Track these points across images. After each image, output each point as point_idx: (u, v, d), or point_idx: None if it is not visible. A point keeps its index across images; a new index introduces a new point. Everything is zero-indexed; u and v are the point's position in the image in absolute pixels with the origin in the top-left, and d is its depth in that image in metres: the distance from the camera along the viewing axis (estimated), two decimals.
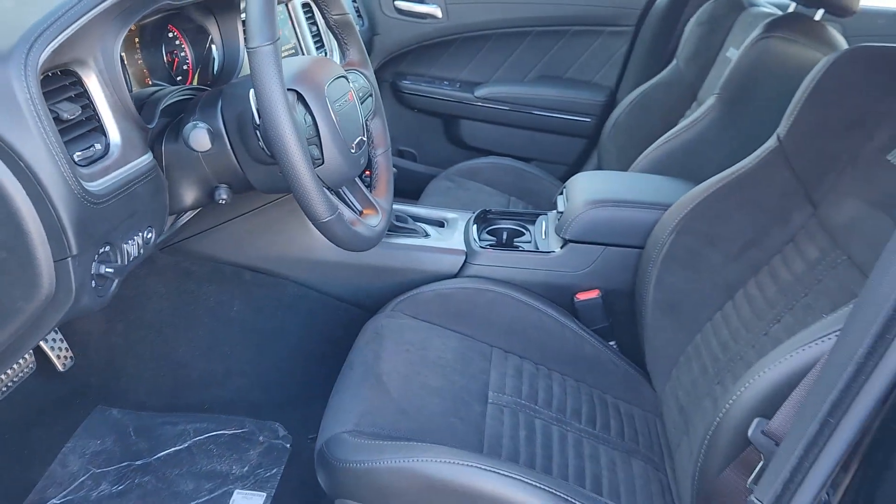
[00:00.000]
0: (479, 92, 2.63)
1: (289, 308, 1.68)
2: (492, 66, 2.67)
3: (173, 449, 1.58)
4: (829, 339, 0.96)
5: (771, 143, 1.43)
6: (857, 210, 1.21)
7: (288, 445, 1.60)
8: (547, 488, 1.10)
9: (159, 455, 1.56)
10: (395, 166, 1.81)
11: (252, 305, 1.67)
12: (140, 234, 1.04)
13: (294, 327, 1.69)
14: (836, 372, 0.80)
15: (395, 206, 1.74)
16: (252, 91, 1.10)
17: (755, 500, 0.86)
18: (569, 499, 1.10)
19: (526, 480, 1.10)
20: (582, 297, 1.61)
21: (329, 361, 1.66)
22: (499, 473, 1.09)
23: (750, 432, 0.95)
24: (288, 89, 1.09)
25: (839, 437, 0.78)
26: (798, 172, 1.37)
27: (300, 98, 1.11)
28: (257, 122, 1.09)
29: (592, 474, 1.28)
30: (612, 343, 1.64)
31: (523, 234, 1.78)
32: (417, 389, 1.32)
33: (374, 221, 1.34)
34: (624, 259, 1.60)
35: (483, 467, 1.09)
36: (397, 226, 1.70)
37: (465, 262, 1.65)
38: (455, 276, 1.64)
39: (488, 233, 1.78)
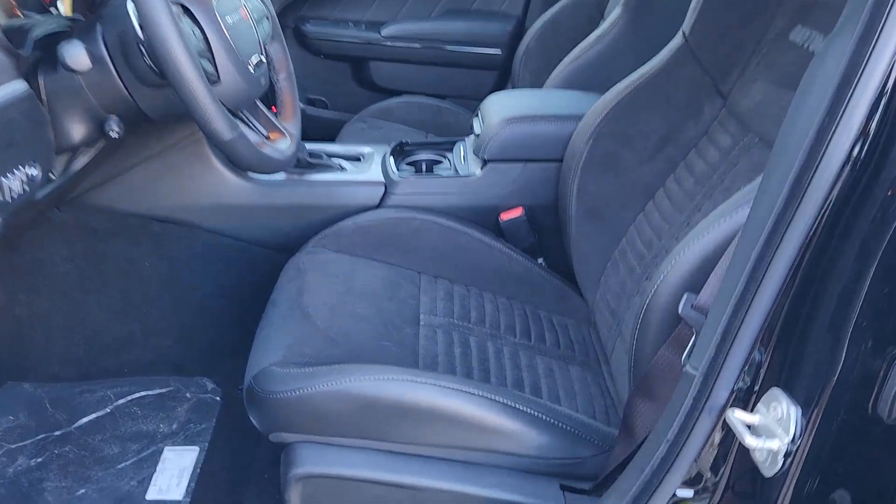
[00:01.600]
0: (386, 31, 2.55)
1: (204, 258, 1.60)
2: (396, 4, 2.59)
3: (94, 415, 1.49)
4: (745, 209, 0.97)
5: (677, 40, 1.43)
6: (765, 93, 1.22)
7: (218, 398, 1.54)
8: (487, 395, 1.08)
9: (79, 423, 1.47)
10: (306, 114, 1.73)
11: (165, 259, 1.58)
12: (22, 168, 0.95)
13: (212, 278, 1.62)
14: (752, 238, 0.80)
15: (308, 146, 1.67)
16: (131, 4, 1.01)
17: (690, 370, 0.86)
18: (509, 403, 1.09)
19: (465, 390, 1.07)
20: (506, 216, 1.59)
21: (253, 310, 1.59)
22: (436, 385, 1.06)
23: (680, 308, 0.94)
24: (172, 3, 1.01)
25: (762, 299, 0.78)
26: (706, 66, 1.37)
27: (186, 11, 1.03)
28: (140, 36, 1.01)
29: (531, 382, 1.26)
30: (539, 260, 1.63)
31: (442, 162, 1.74)
32: (346, 318, 1.27)
33: (283, 146, 1.28)
34: (544, 173, 1.59)
35: (419, 381, 1.06)
36: (311, 162, 1.64)
37: (384, 192, 1.60)
38: (376, 208, 1.59)
39: (407, 164, 1.73)
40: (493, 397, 1.08)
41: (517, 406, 1.09)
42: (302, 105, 2.47)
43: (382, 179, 1.61)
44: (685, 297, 0.95)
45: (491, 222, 1.61)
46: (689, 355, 0.93)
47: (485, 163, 1.60)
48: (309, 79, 2.58)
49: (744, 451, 0.82)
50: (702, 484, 0.87)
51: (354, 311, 1.30)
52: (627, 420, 1.05)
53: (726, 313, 0.81)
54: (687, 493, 0.88)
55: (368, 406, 1.05)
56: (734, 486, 0.85)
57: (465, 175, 1.61)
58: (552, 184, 1.59)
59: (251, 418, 1.16)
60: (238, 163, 1.10)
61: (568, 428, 1.10)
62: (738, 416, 0.78)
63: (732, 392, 0.81)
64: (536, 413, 1.09)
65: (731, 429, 0.82)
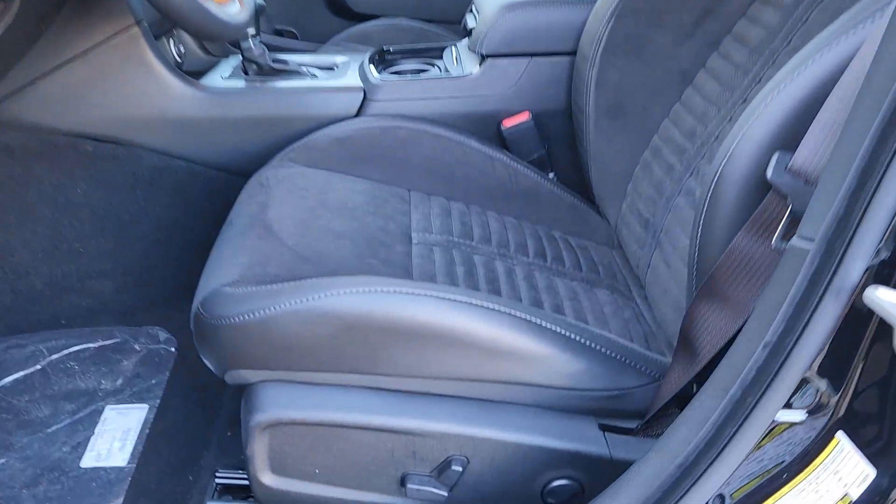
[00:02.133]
0: None
1: (149, 184, 1.33)
2: None
3: (21, 373, 1.23)
4: (836, 47, 0.72)
5: None
6: None
7: (172, 349, 1.28)
8: (506, 311, 0.83)
9: (2, 383, 1.22)
10: (273, 49, 1.46)
11: (101, 185, 1.32)
12: None
13: (160, 209, 1.35)
14: (883, 79, 0.56)
15: (273, 55, 1.40)
16: None
17: (800, 243, 0.61)
18: (534, 321, 0.84)
19: (478, 303, 0.83)
20: (509, 122, 1.33)
21: (211, 245, 1.34)
22: (441, 298, 0.81)
23: (770, 173, 0.70)
24: None
25: None
26: None
27: None
28: None
29: (552, 303, 1.02)
30: (550, 175, 1.38)
31: (429, 70, 1.48)
32: (319, 234, 1.02)
33: (233, 10, 1.01)
34: (554, 70, 1.33)
35: (418, 292, 0.81)
36: (276, 68, 1.37)
37: (364, 100, 1.34)
38: (354, 118, 1.33)
39: (390, 74, 1.47)
40: (514, 313, 0.83)
41: (544, 324, 0.84)
42: (269, 36, 2.19)
43: (360, 84, 1.35)
44: (775, 157, 0.70)
45: (491, 131, 1.36)
46: (783, 237, 0.69)
47: (482, 59, 1.34)
48: (276, 7, 2.30)
49: (884, 347, 0.58)
50: (816, 399, 0.63)
51: (330, 227, 1.04)
52: (687, 336, 0.81)
53: (854, 168, 0.57)
54: (794, 415, 0.64)
55: (351, 328, 0.80)
56: (865, 396, 0.61)
57: (459, 75, 1.35)
58: (563, 82, 1.33)
59: (203, 358, 0.90)
60: (181, 24, 0.84)
61: (607, 352, 0.86)
62: (883, 297, 0.54)
63: (869, 267, 0.57)
64: (568, 333, 0.85)
65: (863, 316, 0.58)
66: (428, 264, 1.03)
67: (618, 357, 0.86)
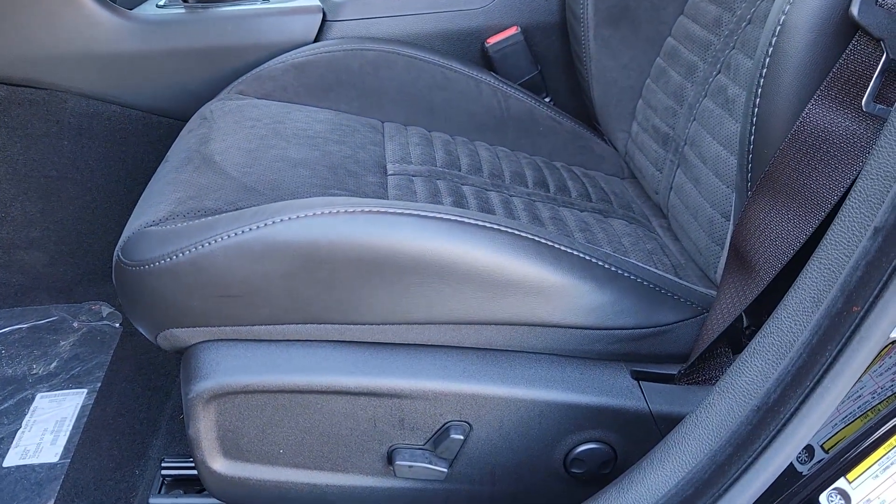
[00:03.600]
0: None
1: (77, 134, 1.14)
2: None
3: None
4: None
5: None
6: None
7: (117, 325, 1.10)
8: (513, 230, 0.65)
9: None
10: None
11: (20, 138, 1.12)
12: None
13: (92, 162, 1.16)
14: None
15: None
16: None
17: None
18: (548, 242, 0.66)
19: (475, 222, 0.64)
20: (495, 39, 1.15)
21: None
22: (428, 217, 0.63)
23: (855, 10, 0.52)
24: None
25: None
26: None
27: None
28: None
29: (562, 234, 0.84)
30: (546, 98, 1.19)
31: None
32: (272, 164, 0.83)
33: None
34: None
35: (398, 211, 0.62)
36: None
37: (323, 22, 1.14)
38: (314, 42, 1.14)
39: None
40: (520, 232, 0.65)
41: (559, 247, 0.66)
42: None
43: (318, 4, 1.16)
44: None
45: (474, 51, 1.17)
46: (877, 89, 0.51)
47: None
48: None
49: None
50: None
51: (285, 156, 0.85)
52: (741, 251, 0.63)
53: None
54: None
55: (310, 263, 0.61)
56: None
57: None
58: None
59: (132, 321, 0.72)
60: None
61: (638, 280, 0.68)
62: None
63: None
64: (590, 258, 0.67)
65: None
66: (408, 195, 0.84)
67: (651, 286, 0.68)
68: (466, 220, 0.63)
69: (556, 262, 0.64)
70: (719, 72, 0.87)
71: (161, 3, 1.18)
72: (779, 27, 0.56)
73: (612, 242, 0.86)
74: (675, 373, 0.69)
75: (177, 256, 0.63)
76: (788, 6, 0.55)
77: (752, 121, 0.59)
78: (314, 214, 0.61)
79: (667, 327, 0.68)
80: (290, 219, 0.61)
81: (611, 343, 0.68)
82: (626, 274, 0.67)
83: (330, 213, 0.61)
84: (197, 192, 0.74)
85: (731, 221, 0.69)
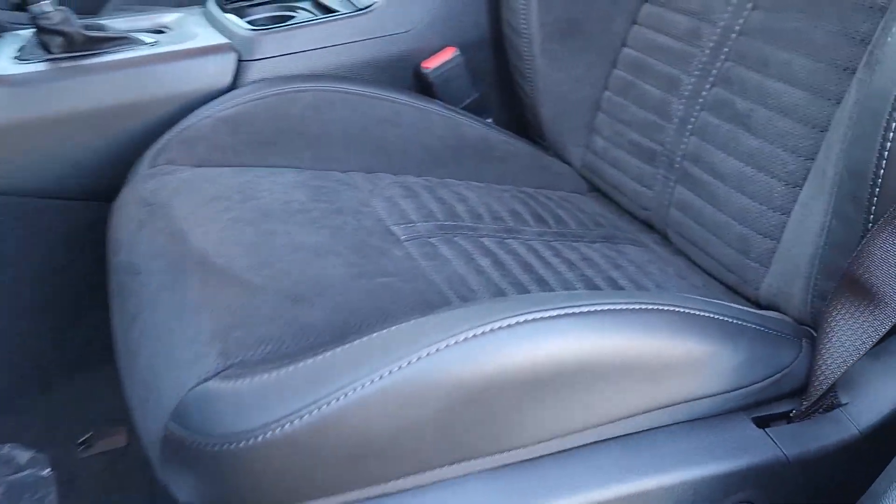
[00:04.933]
0: None
1: None
2: None
3: None
4: None
5: None
6: None
7: (45, 473, 0.86)
8: (653, 305, 0.58)
9: None
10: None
11: None
12: None
13: None
14: None
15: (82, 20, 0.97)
16: None
17: None
18: (666, 307, 0.60)
19: (620, 306, 0.56)
20: (432, 63, 1.05)
21: (65, 307, 0.93)
22: (580, 313, 0.54)
23: None
24: None
25: None
26: None
27: None
28: None
29: (605, 278, 0.79)
30: (488, 120, 1.12)
31: (295, 16, 1.13)
32: (289, 255, 0.68)
33: None
34: None
35: (553, 313, 0.53)
36: (91, 36, 0.95)
37: (238, 63, 0.97)
38: (231, 89, 0.96)
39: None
40: (663, 306, 0.58)
41: (694, 312, 0.60)
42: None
43: (227, 41, 0.98)
44: None
45: (407, 77, 1.07)
46: None
47: None
48: None
49: None
50: None
51: (297, 243, 0.70)
52: (862, 282, 0.62)
53: None
54: None
55: (475, 392, 0.50)
56: None
57: (357, 12, 1.03)
58: (487, 1, 1.07)
59: (175, 491, 0.55)
60: None
61: (759, 327, 0.65)
62: None
63: None
64: (717, 316, 0.62)
65: None
66: (444, 266, 0.74)
67: (770, 329, 0.65)
68: (615, 307, 0.55)
69: (700, 331, 0.59)
70: (714, 85, 0.86)
71: (18, 54, 0.93)
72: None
73: (650, 276, 0.83)
74: (792, 409, 0.68)
75: (291, 423, 0.48)
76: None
77: (882, 155, 0.58)
78: (472, 336, 0.49)
79: (788, 368, 0.66)
80: (444, 348, 0.49)
81: (743, 399, 0.64)
82: (745, 324, 0.64)
83: (489, 330, 0.50)
84: (235, 318, 0.59)
85: (825, 245, 0.67)
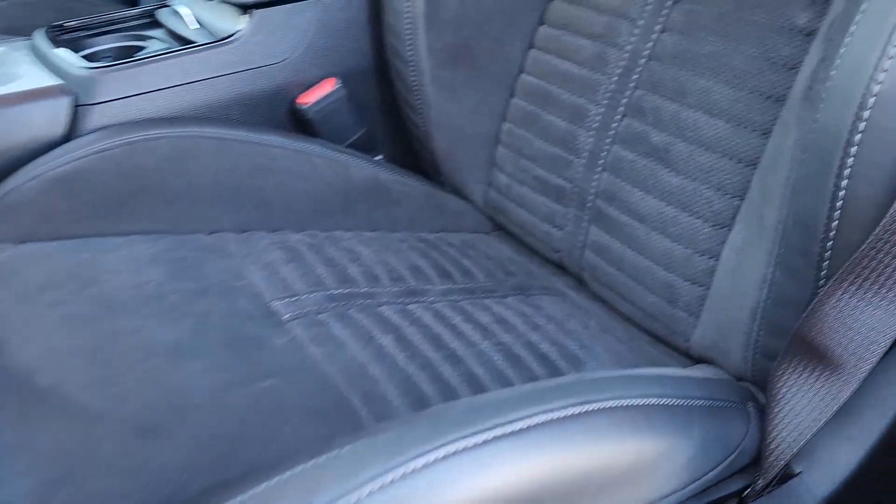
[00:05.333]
0: None
1: None
2: None
3: None
4: None
5: None
6: None
7: None
8: (594, 405, 0.48)
9: None
10: None
11: None
12: None
13: None
14: None
15: None
16: None
17: None
18: (608, 404, 0.50)
19: (542, 417, 0.46)
20: (312, 97, 0.92)
21: None
22: (514, 432, 0.43)
23: None
24: None
25: None
26: None
27: None
28: None
29: (525, 344, 0.69)
30: (378, 158, 1.01)
31: (143, 49, 0.98)
32: (139, 363, 0.54)
33: None
34: (352, 10, 0.94)
35: (479, 437, 0.42)
36: None
37: (74, 108, 0.81)
38: (65, 140, 0.80)
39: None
40: (574, 408, 0.48)
41: (622, 400, 0.51)
42: None
43: (59, 81, 0.82)
44: None
45: (282, 114, 0.93)
46: None
47: (246, 10, 0.90)
48: None
49: None
50: None
51: (150, 343, 0.56)
52: (816, 344, 0.55)
53: None
54: None
55: None
56: None
57: (217, 42, 0.88)
58: (368, 26, 0.96)
59: None
60: None
61: (708, 402, 0.56)
62: None
63: None
64: (664, 399, 0.53)
65: None
66: (340, 351, 0.61)
67: (716, 401, 0.57)
68: (553, 415, 0.45)
69: (648, 426, 0.50)
70: (625, 115, 0.78)
71: None
72: (872, 99, 0.47)
73: (571, 334, 0.73)
74: (745, 487, 0.60)
75: None
76: (884, 74, 0.47)
77: (833, 205, 0.50)
78: (378, 489, 0.37)
79: (740, 447, 0.58)
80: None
81: (699, 488, 0.55)
82: (692, 402, 0.55)
83: (400, 476, 0.38)
84: (63, 468, 0.44)
85: (768, 299, 0.60)
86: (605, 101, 0.80)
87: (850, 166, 0.49)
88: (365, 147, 0.97)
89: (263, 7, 0.88)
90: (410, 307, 0.71)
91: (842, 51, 0.49)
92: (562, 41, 0.85)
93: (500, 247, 0.94)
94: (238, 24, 0.89)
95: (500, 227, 0.97)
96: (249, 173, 0.83)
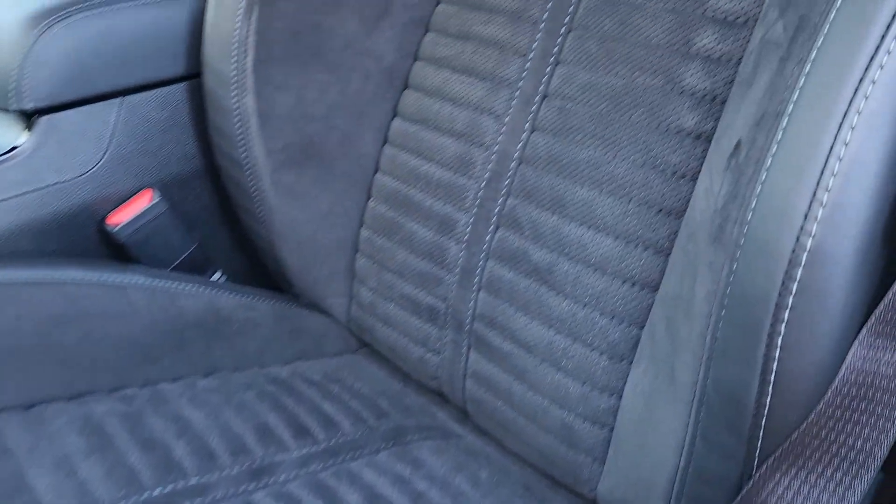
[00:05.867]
0: None
1: None
2: None
3: None
4: None
5: None
6: None
7: None
8: None
9: None
10: None
11: None
12: None
13: None
14: None
15: None
16: None
17: None
18: None
19: None
20: (124, 216, 0.76)
21: None
22: None
23: None
24: None
25: None
26: None
27: None
28: None
29: None
30: (218, 276, 0.85)
31: None
32: None
33: None
34: (168, 109, 0.79)
35: None
36: None
37: None
38: None
39: None
40: None
41: None
42: None
43: None
44: None
45: (88, 238, 0.76)
46: None
47: (31, 117, 0.72)
48: None
49: None
50: None
51: None
52: None
53: None
54: None
55: None
56: None
57: None
58: (190, 126, 0.81)
59: None
60: None
61: None
62: None
63: None
64: None
65: None
66: None
67: None
68: None
69: None
70: (498, 227, 0.67)
71: None
72: (805, 254, 0.37)
73: (459, 498, 0.61)
74: None
75: None
76: (816, 225, 0.37)
77: (765, 378, 0.41)
78: None
79: None
80: None
81: None
82: None
83: None
84: None
85: (690, 471, 0.50)
86: (475, 210, 0.68)
87: (782, 334, 0.39)
88: (198, 266, 0.82)
89: (50, 113, 0.71)
90: (256, 497, 0.56)
91: (758, 189, 0.40)
92: (420, 138, 0.74)
93: (369, 371, 0.80)
94: (19, 135, 0.71)
95: (365, 343, 0.84)
96: (43, 325, 0.66)
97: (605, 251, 0.59)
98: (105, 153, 0.75)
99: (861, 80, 0.35)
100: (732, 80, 0.54)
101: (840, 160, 0.36)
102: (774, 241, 0.38)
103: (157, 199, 0.77)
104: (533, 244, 0.64)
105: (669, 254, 0.56)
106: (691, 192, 0.55)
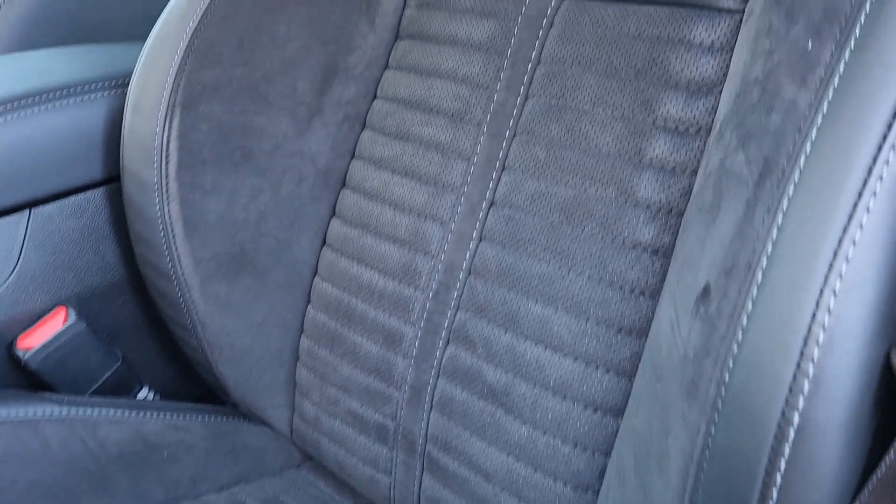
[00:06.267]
0: None
1: None
2: None
3: None
4: None
5: None
6: None
7: None
8: None
9: None
10: None
11: None
12: None
13: None
14: None
15: None
16: None
17: None
18: None
19: None
20: (36, 340, 0.69)
21: None
22: None
23: None
24: None
25: None
26: None
27: None
28: None
29: None
30: (147, 394, 0.78)
31: None
32: None
33: None
34: (84, 218, 0.73)
35: None
36: None
37: None
38: None
39: None
40: None
41: None
42: None
43: None
44: None
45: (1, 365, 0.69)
46: None
47: None
48: None
49: None
50: None
51: None
52: None
53: None
54: None
55: None
56: None
57: None
58: (110, 237, 0.74)
59: None
60: None
61: None
62: None
63: None
64: None
65: None
66: None
67: None
68: None
69: None
70: (448, 343, 0.62)
71: None
72: (792, 430, 0.34)
73: None
74: None
75: None
76: (802, 399, 0.33)
77: None
78: None
79: None
80: None
81: None
82: None
83: None
84: None
85: None
86: (422, 323, 0.64)
87: (774, 498, 0.35)
88: (123, 384, 0.75)
89: None
90: None
91: (734, 348, 0.36)
92: (361, 244, 0.69)
93: (315, 490, 0.74)
94: None
95: (310, 456, 0.78)
96: None
97: (564, 373, 0.55)
98: (13, 270, 0.68)
99: (840, 241, 0.32)
100: (689, 192, 0.51)
101: (824, 329, 0.32)
102: (760, 413, 0.34)
103: (73, 319, 0.70)
104: (486, 363, 0.59)
105: (632, 376, 0.52)
106: (652, 310, 0.52)
